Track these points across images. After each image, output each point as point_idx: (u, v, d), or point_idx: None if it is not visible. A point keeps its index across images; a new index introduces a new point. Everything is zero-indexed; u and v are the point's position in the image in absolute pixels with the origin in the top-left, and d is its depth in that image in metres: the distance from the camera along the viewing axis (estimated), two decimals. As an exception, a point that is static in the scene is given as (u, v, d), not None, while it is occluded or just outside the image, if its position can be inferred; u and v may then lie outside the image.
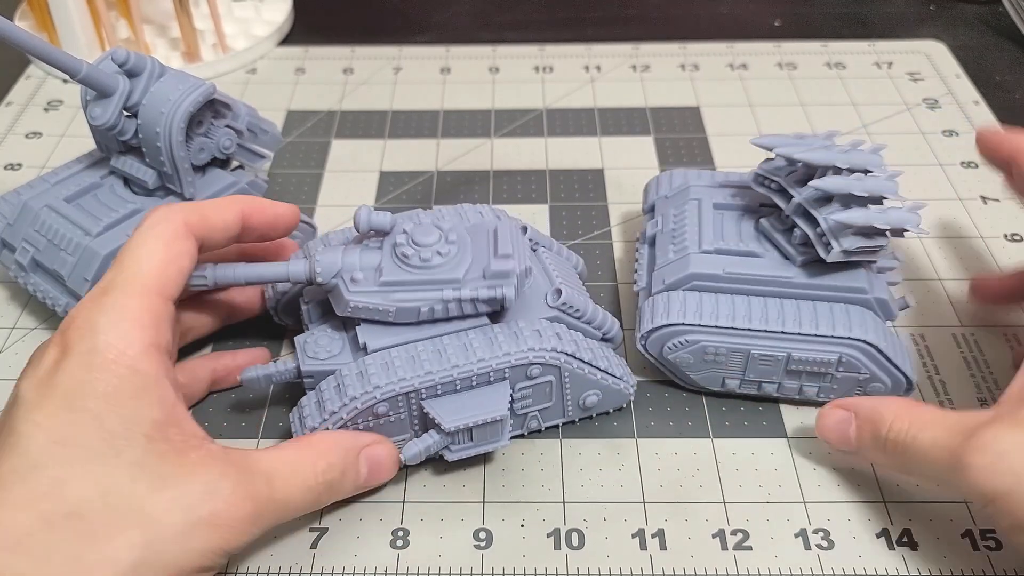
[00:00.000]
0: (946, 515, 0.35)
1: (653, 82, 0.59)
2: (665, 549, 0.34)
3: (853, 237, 0.35)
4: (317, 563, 0.33)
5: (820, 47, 0.63)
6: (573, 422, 0.38)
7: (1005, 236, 0.47)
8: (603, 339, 0.38)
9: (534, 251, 0.39)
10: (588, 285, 0.45)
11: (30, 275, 0.41)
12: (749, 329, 0.36)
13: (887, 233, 0.36)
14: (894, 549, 0.34)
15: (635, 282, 0.40)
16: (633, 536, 0.34)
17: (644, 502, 0.35)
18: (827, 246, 0.36)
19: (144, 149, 0.39)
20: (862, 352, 0.36)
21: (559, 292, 0.36)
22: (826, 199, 0.36)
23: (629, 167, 0.52)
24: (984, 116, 0.56)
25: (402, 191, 0.51)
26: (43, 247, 0.40)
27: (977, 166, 0.52)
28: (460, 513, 0.35)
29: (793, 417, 0.38)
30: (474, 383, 0.34)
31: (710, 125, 0.55)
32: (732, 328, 0.36)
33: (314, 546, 0.34)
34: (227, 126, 0.42)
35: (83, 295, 0.38)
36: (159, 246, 0.32)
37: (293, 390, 0.39)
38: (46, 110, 0.57)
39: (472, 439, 0.34)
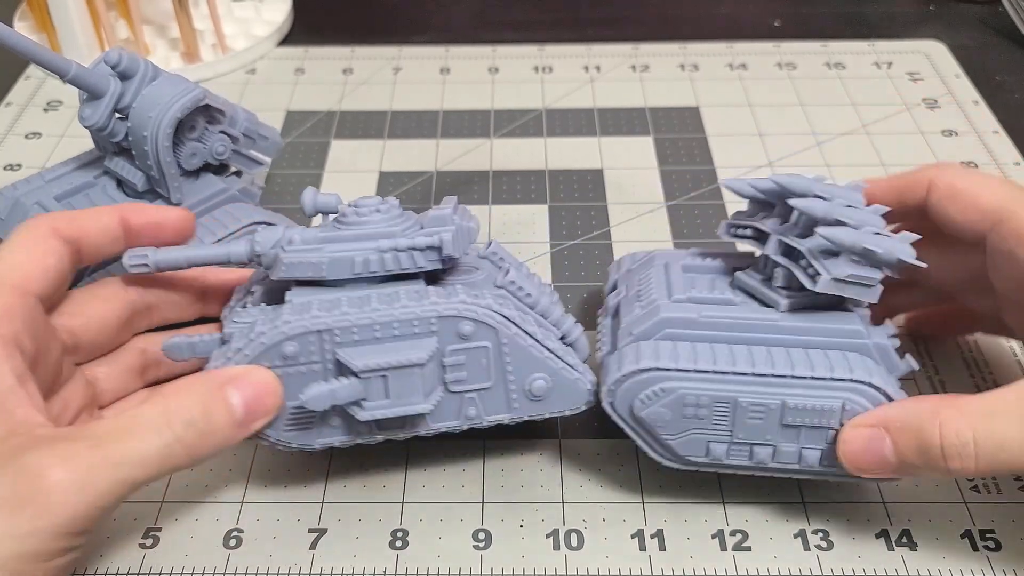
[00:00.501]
0: (946, 515, 0.35)
1: (653, 82, 0.59)
2: (664, 550, 0.34)
3: (842, 263, 0.31)
4: (316, 564, 0.33)
5: (820, 47, 0.63)
6: (525, 422, 0.34)
7: (1005, 236, 0.47)
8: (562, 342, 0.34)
9: (498, 268, 0.35)
10: (587, 286, 0.45)
11: None
12: (735, 372, 0.31)
13: (881, 266, 0.31)
14: (893, 549, 0.34)
15: (598, 350, 0.35)
16: (632, 536, 0.34)
17: (643, 503, 0.35)
18: (813, 276, 0.31)
19: (133, 152, 0.39)
20: (868, 399, 0.31)
21: (508, 272, 0.34)
22: (809, 232, 0.32)
23: (629, 167, 0.52)
24: (984, 116, 0.56)
25: (402, 191, 0.51)
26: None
27: (977, 166, 0.52)
28: (459, 514, 0.35)
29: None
30: (397, 333, 0.31)
31: (710, 125, 0.55)
32: (715, 372, 0.31)
33: (313, 547, 0.34)
34: (222, 132, 0.41)
35: None
36: (19, 245, 0.32)
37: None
38: (46, 110, 0.57)
39: (388, 395, 0.31)
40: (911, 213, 0.35)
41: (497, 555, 0.34)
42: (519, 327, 0.32)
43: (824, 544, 0.34)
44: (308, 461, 0.37)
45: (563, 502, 0.35)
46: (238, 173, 0.44)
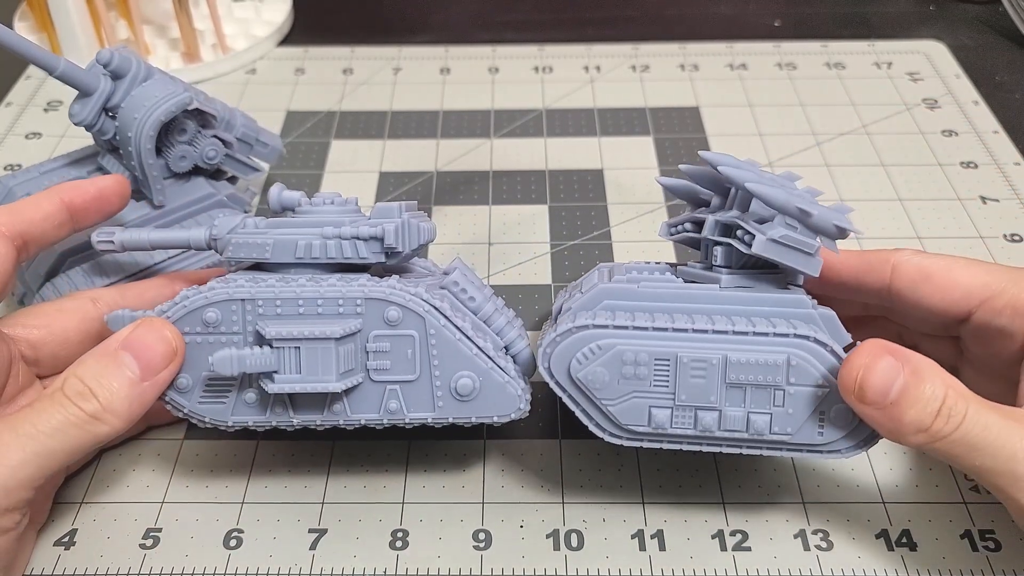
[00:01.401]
0: (946, 516, 0.35)
1: (653, 82, 0.59)
2: (664, 550, 0.34)
3: (777, 224, 0.30)
4: (316, 564, 0.33)
5: (820, 47, 0.63)
6: (449, 423, 0.33)
7: (1004, 236, 0.47)
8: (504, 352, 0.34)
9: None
10: (587, 286, 0.45)
11: None
12: (674, 328, 0.30)
13: (817, 232, 0.31)
14: (893, 550, 0.34)
15: (540, 344, 0.32)
16: (632, 537, 0.34)
17: (643, 503, 0.35)
18: (749, 243, 0.31)
19: (121, 151, 0.39)
20: (813, 355, 0.30)
21: (453, 272, 0.33)
22: (745, 210, 0.32)
23: (629, 167, 0.52)
24: (984, 116, 0.56)
25: (402, 191, 0.51)
26: None
27: (976, 166, 0.52)
28: (459, 514, 0.35)
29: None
30: (321, 311, 0.31)
31: (710, 125, 0.55)
32: (654, 328, 0.30)
33: (313, 547, 0.34)
34: (215, 136, 0.41)
35: (35, 289, 0.39)
36: None
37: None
38: (46, 110, 0.57)
39: (300, 370, 0.31)
40: (870, 295, 0.35)
41: (497, 555, 0.34)
42: (448, 320, 0.32)
43: (824, 544, 0.34)
44: (309, 461, 0.37)
45: (563, 502, 0.35)
46: (233, 179, 0.44)
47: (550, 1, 0.69)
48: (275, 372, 0.31)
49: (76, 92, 0.39)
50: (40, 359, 0.34)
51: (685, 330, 0.30)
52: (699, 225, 0.34)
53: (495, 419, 0.33)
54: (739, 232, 0.31)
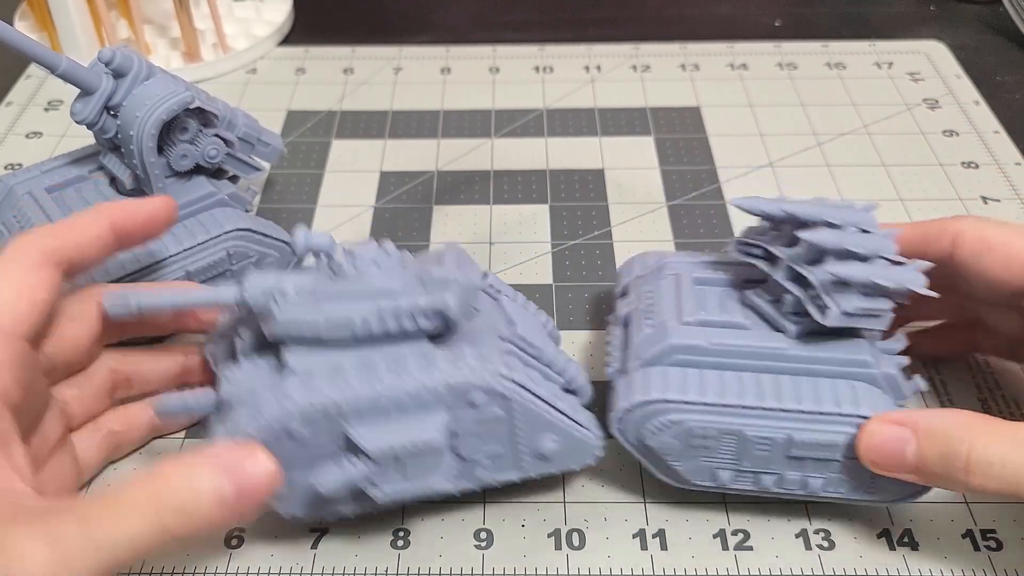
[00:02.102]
0: (947, 515, 0.35)
1: (653, 82, 0.59)
2: (666, 549, 0.34)
3: (852, 296, 0.31)
4: (318, 563, 0.33)
5: (820, 47, 0.63)
6: (532, 479, 0.34)
7: (1005, 236, 0.47)
8: (567, 391, 0.34)
9: (494, 299, 0.35)
10: (588, 286, 0.45)
11: None
12: (743, 406, 0.31)
13: (890, 295, 0.31)
14: (895, 549, 0.34)
15: (607, 364, 0.35)
16: (634, 536, 0.34)
17: (645, 502, 0.35)
18: (822, 308, 0.32)
19: (122, 149, 0.39)
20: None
21: (513, 323, 0.33)
22: (818, 259, 0.32)
23: (629, 167, 0.52)
24: (984, 116, 0.56)
25: (402, 191, 0.51)
26: (15, 233, 0.40)
27: (977, 166, 0.52)
28: (461, 513, 0.35)
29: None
30: (407, 407, 0.30)
31: (710, 125, 0.55)
32: (723, 405, 0.31)
33: (315, 546, 0.34)
34: (216, 135, 0.41)
35: None
36: (5, 279, 0.30)
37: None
38: (46, 110, 0.57)
39: (405, 475, 0.31)
40: (933, 261, 0.33)
41: (499, 555, 0.34)
42: (531, 392, 0.31)
43: (826, 544, 0.34)
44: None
45: (565, 502, 0.35)
46: (234, 178, 0.44)
47: (550, 1, 0.69)
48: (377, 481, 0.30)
49: (77, 91, 0.39)
50: (55, 368, 0.33)
51: (753, 407, 0.31)
52: (770, 254, 0.34)
53: (576, 468, 0.34)
54: (811, 291, 0.32)
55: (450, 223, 0.49)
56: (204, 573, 0.33)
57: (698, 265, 0.37)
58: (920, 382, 0.33)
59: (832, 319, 0.31)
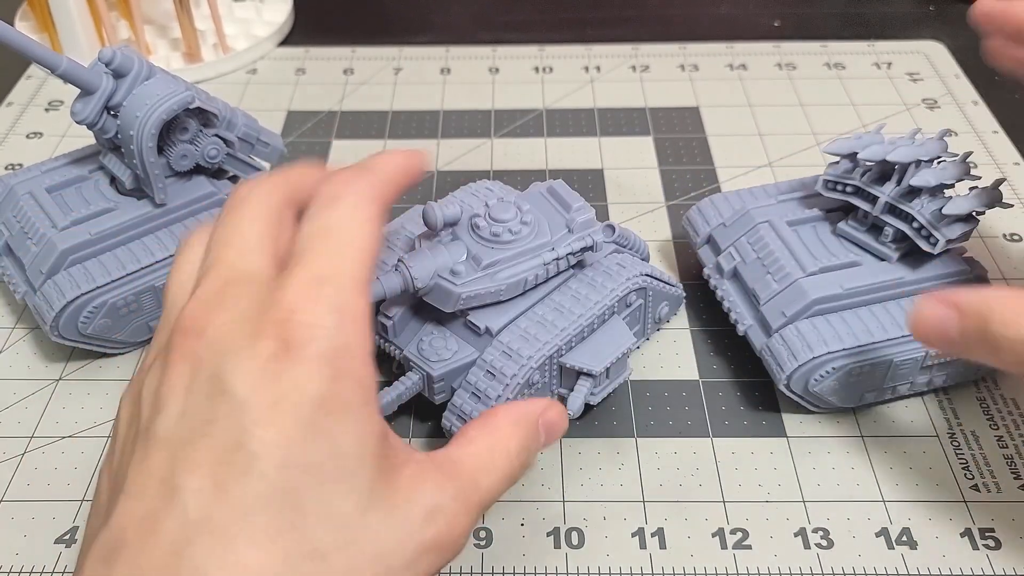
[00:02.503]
0: (945, 514, 0.35)
1: (653, 82, 0.59)
2: (665, 548, 0.34)
3: (955, 226, 0.36)
4: (317, 562, 0.33)
5: (820, 47, 0.63)
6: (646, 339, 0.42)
7: (1004, 236, 0.47)
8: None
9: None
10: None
11: (2, 258, 0.41)
12: (889, 339, 0.36)
13: (977, 214, 0.37)
14: (893, 548, 0.34)
15: (736, 322, 0.39)
16: (633, 535, 0.34)
17: (644, 501, 0.35)
18: (929, 238, 0.37)
19: (123, 149, 0.39)
20: None
21: (612, 228, 0.37)
22: (912, 193, 0.37)
23: (629, 167, 0.52)
24: (983, 116, 0.56)
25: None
26: (15, 232, 0.40)
27: (976, 166, 0.52)
28: (460, 512, 0.35)
29: (792, 416, 0.38)
30: (594, 327, 0.36)
31: (710, 125, 0.55)
32: (875, 343, 0.36)
33: (314, 545, 0.34)
34: (216, 135, 0.41)
35: (38, 285, 0.38)
36: (365, 232, 0.28)
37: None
38: (47, 110, 0.57)
39: (608, 376, 0.37)
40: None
41: (498, 553, 0.34)
42: (654, 277, 0.39)
43: (824, 543, 0.34)
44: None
45: (564, 500, 0.35)
46: (234, 178, 0.44)
47: (550, 1, 0.69)
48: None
49: (77, 91, 0.39)
50: None
51: (898, 338, 0.36)
52: (858, 189, 0.38)
53: (675, 314, 0.42)
54: (915, 224, 0.37)
55: (450, 223, 0.49)
56: (204, 572, 0.33)
57: (781, 207, 0.41)
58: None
59: (940, 248, 0.36)
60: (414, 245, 0.37)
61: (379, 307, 0.37)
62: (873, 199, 0.38)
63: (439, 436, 0.37)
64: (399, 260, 0.35)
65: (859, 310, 0.37)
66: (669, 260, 0.46)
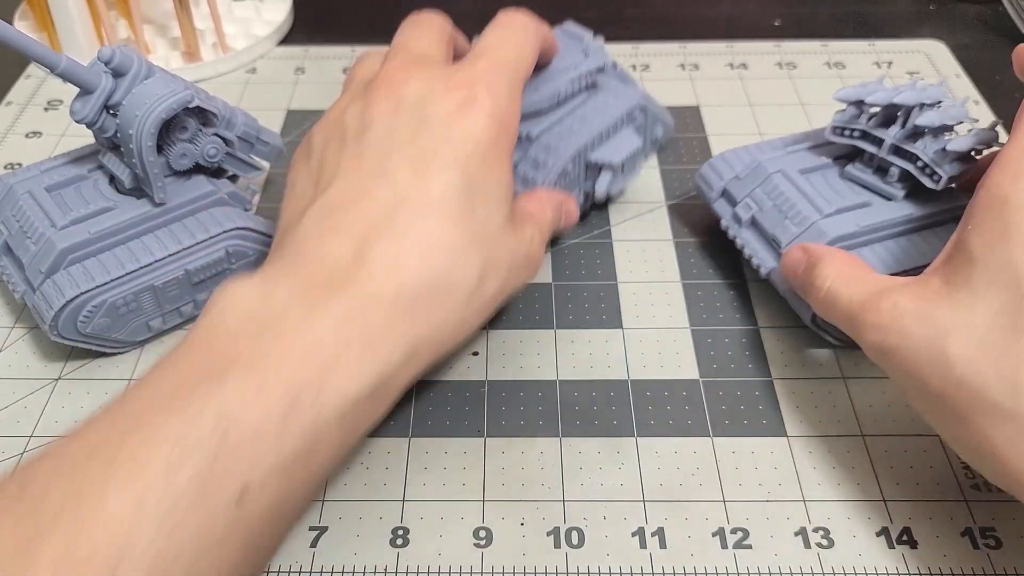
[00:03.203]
0: (946, 513, 0.35)
1: (653, 82, 0.59)
2: (665, 547, 0.34)
3: (954, 164, 0.39)
4: (317, 562, 0.33)
5: (820, 47, 0.63)
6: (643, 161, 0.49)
7: (1005, 235, 0.47)
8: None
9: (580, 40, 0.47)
10: (587, 285, 0.45)
11: (1, 257, 0.41)
12: (906, 270, 0.39)
13: (975, 152, 0.39)
14: (894, 548, 0.34)
15: (758, 267, 0.42)
16: (633, 535, 0.34)
17: (644, 501, 0.35)
18: (932, 176, 0.39)
19: (122, 148, 0.39)
20: None
21: (616, 65, 0.47)
22: (915, 135, 0.40)
23: (629, 166, 0.52)
24: (984, 115, 0.56)
25: (402, 190, 0.51)
26: (14, 232, 0.40)
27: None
28: (460, 512, 0.35)
29: (793, 416, 0.38)
30: (610, 134, 0.45)
31: (710, 125, 0.55)
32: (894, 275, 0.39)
33: (314, 545, 0.34)
34: (216, 134, 0.41)
35: (37, 285, 0.38)
36: (529, 50, 0.39)
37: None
38: (46, 109, 0.57)
39: (624, 171, 0.46)
40: None
41: (498, 553, 0.34)
42: (651, 100, 0.47)
43: (825, 542, 0.34)
44: (309, 459, 0.37)
45: (564, 500, 0.35)
46: (234, 177, 0.44)
47: (550, 1, 0.68)
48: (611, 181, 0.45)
49: (77, 90, 0.39)
50: None
51: (917, 268, 0.38)
52: (865, 134, 0.41)
53: (667, 135, 0.49)
54: (919, 163, 0.40)
55: (450, 222, 0.49)
56: (203, 571, 0.33)
57: (791, 157, 0.44)
58: None
59: (943, 184, 0.39)
60: None
61: None
62: (879, 142, 0.40)
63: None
64: None
65: (875, 246, 0.40)
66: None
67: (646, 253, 0.46)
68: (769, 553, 0.34)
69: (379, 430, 0.38)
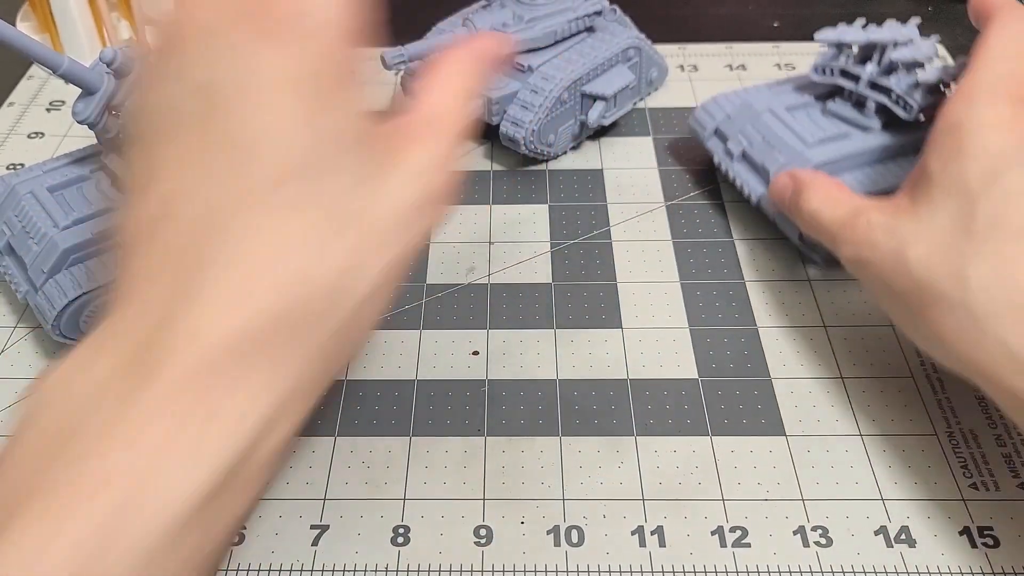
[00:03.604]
0: (944, 512, 0.35)
1: (652, 83, 0.59)
2: (664, 546, 0.34)
3: (926, 94, 0.43)
4: (318, 560, 0.34)
5: (818, 48, 0.63)
6: (641, 101, 0.56)
7: (1003, 236, 0.47)
8: None
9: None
10: (587, 285, 0.45)
11: (3, 257, 0.41)
12: (882, 193, 0.41)
13: (944, 86, 0.43)
14: (892, 546, 0.34)
15: (748, 195, 0.46)
16: (632, 533, 0.34)
17: (643, 499, 0.36)
18: (905, 107, 0.43)
19: (124, 149, 0.39)
20: None
21: (615, 10, 0.53)
22: (890, 71, 0.44)
23: (628, 167, 0.52)
24: (982, 116, 0.56)
25: (402, 191, 0.51)
26: (17, 232, 0.40)
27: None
28: (460, 510, 0.35)
29: (792, 415, 0.39)
30: (605, 68, 0.50)
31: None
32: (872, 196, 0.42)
33: (315, 543, 0.34)
34: None
35: (39, 284, 0.39)
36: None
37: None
38: (48, 110, 0.58)
39: (616, 104, 0.51)
40: None
41: (498, 551, 0.34)
42: (647, 42, 0.53)
43: (823, 541, 0.34)
44: (310, 458, 0.37)
45: (564, 499, 0.36)
46: None
47: (550, 2, 0.69)
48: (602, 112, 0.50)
49: (79, 91, 0.39)
50: None
51: (887, 191, 0.40)
52: (845, 73, 0.46)
53: (657, 88, 0.57)
54: (893, 96, 0.44)
55: (450, 223, 0.49)
56: (205, 569, 0.33)
57: (778, 96, 0.48)
58: None
59: (914, 114, 0.43)
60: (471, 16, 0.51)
61: None
62: (857, 79, 0.45)
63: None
64: (465, 18, 0.50)
65: (856, 171, 0.44)
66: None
67: (646, 253, 0.47)
68: (768, 551, 0.34)
69: (381, 430, 0.38)
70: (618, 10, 0.53)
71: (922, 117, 0.43)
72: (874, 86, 0.44)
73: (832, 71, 0.46)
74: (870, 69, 0.44)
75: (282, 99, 0.25)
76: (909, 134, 0.44)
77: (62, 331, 0.39)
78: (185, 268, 0.24)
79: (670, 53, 0.62)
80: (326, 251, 0.25)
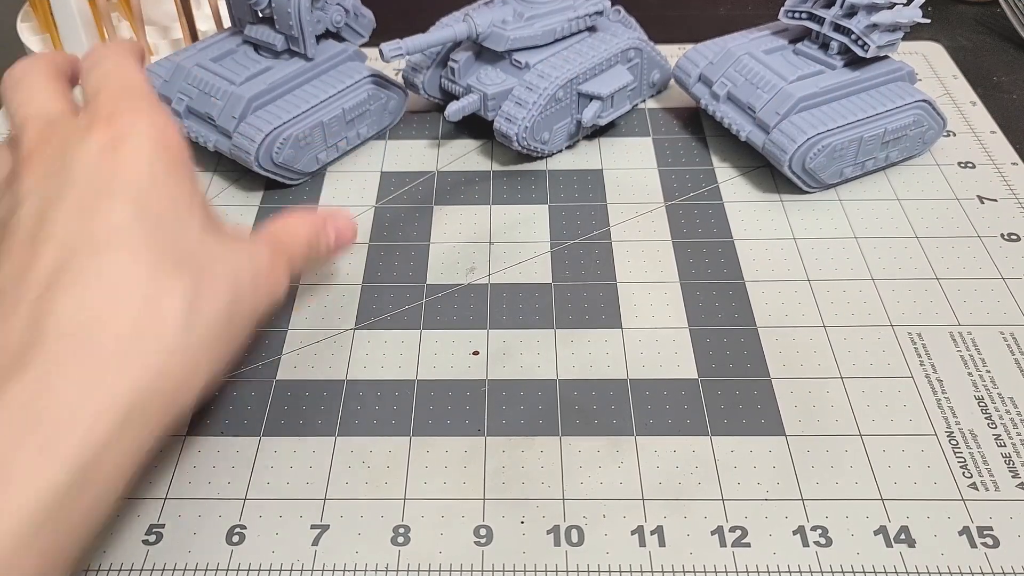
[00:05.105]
0: (944, 512, 0.35)
1: (652, 83, 0.59)
2: (664, 546, 0.34)
3: (883, 34, 0.47)
4: (319, 560, 0.34)
5: None
6: (642, 102, 0.57)
7: (1002, 236, 0.47)
8: None
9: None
10: (587, 285, 0.45)
11: (184, 120, 0.50)
12: (859, 120, 0.47)
13: (902, 28, 0.47)
14: (892, 546, 0.34)
15: (737, 132, 0.50)
16: (632, 533, 0.35)
17: (643, 499, 0.36)
18: (864, 47, 0.47)
19: (276, 17, 0.49)
20: (923, 109, 0.49)
21: (619, 11, 0.53)
22: (851, 13, 0.48)
23: (628, 167, 0.52)
24: (982, 116, 0.56)
25: (403, 191, 0.51)
26: (195, 96, 0.49)
27: (974, 166, 0.52)
28: (460, 510, 0.35)
29: (791, 415, 0.39)
30: (603, 68, 0.50)
31: (708, 126, 0.56)
32: (849, 124, 0.47)
33: (315, 543, 0.34)
34: (338, 3, 0.51)
35: (231, 130, 0.48)
36: (133, 68, 0.36)
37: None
38: (48, 111, 0.58)
39: (613, 105, 0.51)
40: None
41: (498, 551, 0.34)
42: (649, 45, 0.53)
43: (823, 540, 0.34)
44: (311, 458, 0.37)
45: (563, 499, 0.36)
46: (341, 40, 0.53)
47: (550, 2, 0.69)
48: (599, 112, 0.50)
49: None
50: None
51: (866, 118, 0.48)
52: (812, 15, 0.50)
53: (657, 91, 0.58)
54: (852, 36, 0.48)
55: (450, 223, 0.49)
56: (205, 569, 0.33)
57: (755, 41, 0.52)
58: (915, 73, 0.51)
59: (872, 52, 0.47)
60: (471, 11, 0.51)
61: (450, 53, 0.52)
62: (822, 21, 0.49)
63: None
64: (466, 14, 0.50)
65: (832, 103, 0.48)
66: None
67: (645, 253, 0.47)
68: (767, 551, 0.34)
69: (381, 430, 0.38)
70: (622, 11, 0.53)
71: (880, 54, 0.48)
72: (837, 28, 0.48)
73: (800, 15, 0.50)
74: (833, 11, 0.48)
75: (133, 178, 0.31)
76: (873, 69, 0.49)
77: (260, 162, 0.48)
78: (42, 297, 0.28)
79: (669, 53, 0.62)
80: (164, 283, 0.29)
